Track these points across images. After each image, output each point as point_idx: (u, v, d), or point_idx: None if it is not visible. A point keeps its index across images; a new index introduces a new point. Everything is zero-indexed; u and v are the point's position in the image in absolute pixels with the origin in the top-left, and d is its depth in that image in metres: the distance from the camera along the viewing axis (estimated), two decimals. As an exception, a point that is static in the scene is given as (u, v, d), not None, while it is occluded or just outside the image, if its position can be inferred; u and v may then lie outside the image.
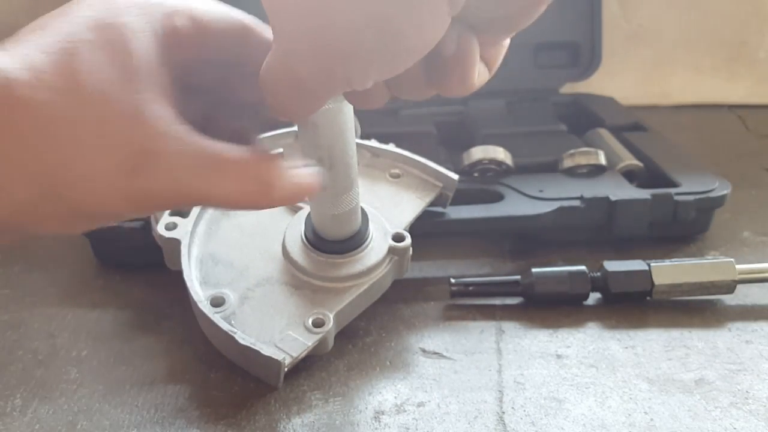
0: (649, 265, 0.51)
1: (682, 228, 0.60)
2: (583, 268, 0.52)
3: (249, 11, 0.34)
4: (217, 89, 0.35)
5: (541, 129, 0.75)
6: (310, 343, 0.43)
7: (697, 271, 0.51)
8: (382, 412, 0.42)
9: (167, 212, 0.50)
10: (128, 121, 0.29)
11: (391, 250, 0.48)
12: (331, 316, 0.45)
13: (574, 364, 0.46)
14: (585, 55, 0.86)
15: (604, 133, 0.71)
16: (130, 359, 0.47)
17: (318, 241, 0.47)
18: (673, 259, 0.52)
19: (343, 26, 0.26)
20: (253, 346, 0.42)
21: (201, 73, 0.34)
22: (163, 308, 0.53)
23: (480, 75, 0.31)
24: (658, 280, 0.50)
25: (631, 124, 0.75)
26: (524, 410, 0.42)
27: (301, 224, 0.48)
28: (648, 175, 0.65)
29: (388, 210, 0.51)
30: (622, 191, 0.59)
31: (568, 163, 0.63)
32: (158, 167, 0.29)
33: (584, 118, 0.79)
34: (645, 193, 0.58)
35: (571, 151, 0.64)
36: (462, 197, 0.57)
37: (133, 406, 0.43)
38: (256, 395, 0.44)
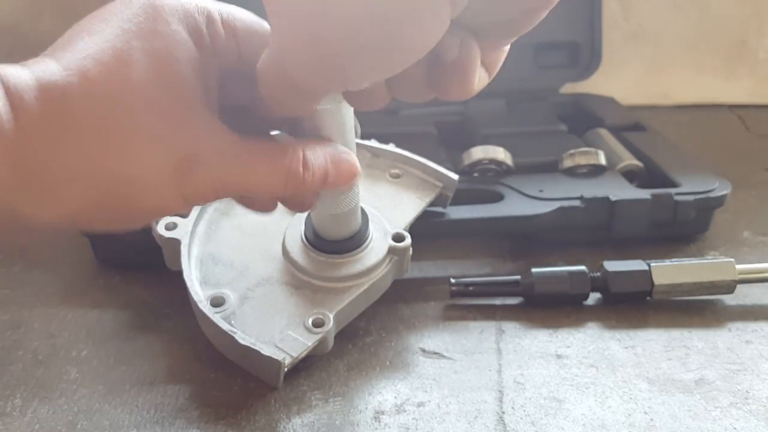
0: (649, 265, 0.51)
1: (682, 228, 0.60)
2: (583, 268, 0.52)
3: (253, 11, 0.35)
4: (248, 86, 0.36)
5: (541, 129, 0.75)
6: (310, 343, 0.43)
7: (697, 271, 0.51)
8: (382, 412, 0.42)
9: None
10: (179, 128, 0.31)
11: (391, 250, 0.48)
12: (331, 316, 0.45)
13: (574, 364, 0.46)
14: (585, 55, 0.86)
15: (604, 133, 0.71)
16: (130, 359, 0.47)
17: (318, 241, 0.47)
18: (673, 259, 0.52)
19: (341, 24, 0.26)
20: (253, 346, 0.42)
21: (234, 73, 0.35)
22: (163, 308, 0.53)
23: (480, 80, 0.32)
24: (658, 280, 0.50)
25: (631, 124, 0.75)
26: (524, 410, 0.42)
27: (301, 224, 0.48)
28: (648, 175, 0.65)
29: (388, 210, 0.51)
30: (622, 191, 0.59)
31: (568, 163, 0.63)
32: (205, 166, 0.32)
33: (584, 118, 0.79)
34: (645, 193, 0.58)
35: (571, 151, 0.64)
36: (462, 197, 0.57)
37: (133, 406, 0.43)
38: (256, 395, 0.44)
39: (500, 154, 0.63)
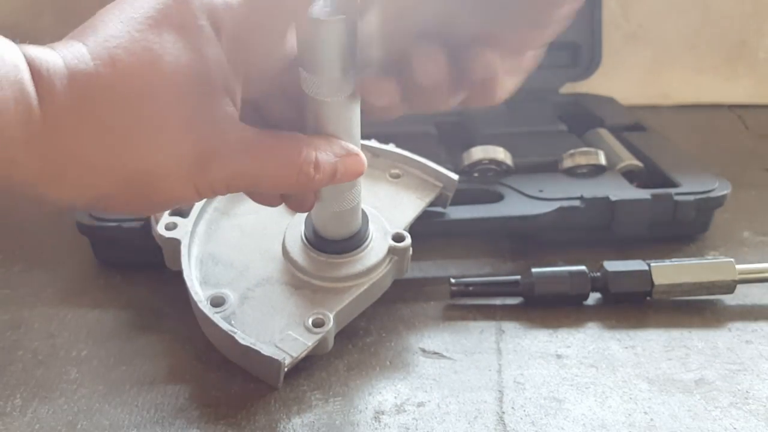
0: (649, 265, 0.51)
1: (682, 228, 0.60)
2: (583, 268, 0.52)
3: None
4: (266, 81, 0.37)
5: (541, 129, 0.75)
6: (310, 343, 0.43)
7: (697, 271, 0.51)
8: (382, 412, 0.42)
9: (167, 212, 0.50)
10: (205, 123, 0.32)
11: (391, 250, 0.48)
12: (331, 316, 0.45)
13: (574, 364, 0.46)
14: (585, 55, 0.86)
15: (604, 133, 0.71)
16: (130, 359, 0.47)
17: (318, 241, 0.47)
18: (673, 259, 0.52)
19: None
20: (253, 346, 0.42)
21: (254, 69, 0.35)
22: (163, 308, 0.52)
23: (506, 87, 0.33)
24: (658, 280, 0.50)
25: (631, 124, 0.75)
26: (524, 410, 0.42)
27: (301, 224, 0.48)
28: (648, 175, 0.65)
29: (388, 210, 0.51)
30: (622, 191, 0.59)
31: (568, 163, 0.63)
32: (223, 160, 0.33)
33: (584, 118, 0.79)
34: (645, 193, 0.58)
35: (571, 151, 0.64)
36: (462, 197, 0.57)
37: (133, 406, 0.43)
38: (256, 395, 0.44)
39: (500, 154, 0.63)
